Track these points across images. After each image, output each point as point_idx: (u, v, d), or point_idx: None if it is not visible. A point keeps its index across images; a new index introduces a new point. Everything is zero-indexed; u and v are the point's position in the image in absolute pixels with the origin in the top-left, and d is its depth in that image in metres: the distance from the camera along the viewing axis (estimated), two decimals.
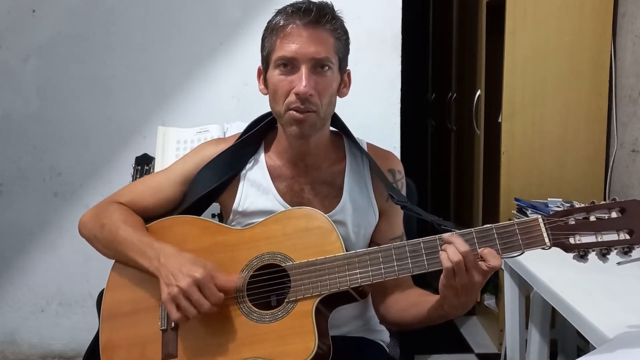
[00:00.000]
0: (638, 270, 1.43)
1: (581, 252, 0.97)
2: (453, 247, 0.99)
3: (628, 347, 1.01)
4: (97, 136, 2.28)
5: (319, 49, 1.10)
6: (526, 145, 2.34)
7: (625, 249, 0.95)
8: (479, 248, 0.99)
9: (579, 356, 1.08)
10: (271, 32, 1.14)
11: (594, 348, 1.10)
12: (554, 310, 1.54)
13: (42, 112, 2.28)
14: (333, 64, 1.14)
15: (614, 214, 0.96)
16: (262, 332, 1.08)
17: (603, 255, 0.97)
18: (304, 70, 1.10)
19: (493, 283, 2.70)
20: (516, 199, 2.19)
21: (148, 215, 1.25)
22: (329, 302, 1.11)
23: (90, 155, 2.29)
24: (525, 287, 1.85)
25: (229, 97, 2.23)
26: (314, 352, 1.03)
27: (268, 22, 1.16)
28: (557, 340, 2.13)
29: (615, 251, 0.96)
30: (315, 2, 1.13)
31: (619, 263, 1.43)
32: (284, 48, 1.10)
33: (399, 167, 1.29)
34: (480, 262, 0.98)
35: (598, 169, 2.34)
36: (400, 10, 2.18)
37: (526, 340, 1.86)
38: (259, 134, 1.27)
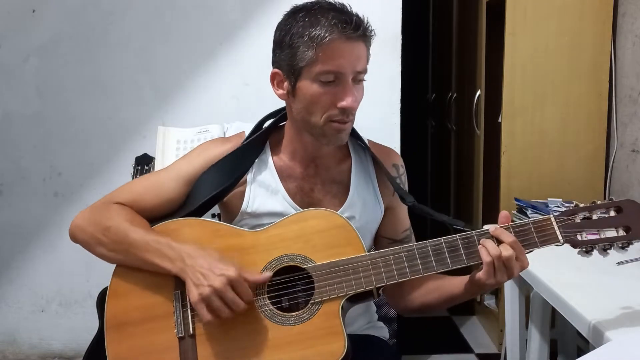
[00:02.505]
0: (638, 270, 1.44)
1: (587, 248, 1.05)
2: (491, 243, 1.04)
3: (627, 347, 1.02)
4: (97, 136, 2.28)
5: (361, 62, 1.11)
6: (526, 145, 2.34)
7: (624, 245, 1.04)
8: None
9: (579, 356, 1.08)
10: (309, 44, 1.07)
11: (594, 348, 1.10)
12: (554, 310, 1.54)
13: (42, 112, 2.28)
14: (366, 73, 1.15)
15: (612, 213, 1.05)
16: (286, 335, 1.06)
17: (604, 250, 1.05)
18: (349, 84, 1.10)
19: None
20: (516, 199, 2.19)
21: (148, 217, 1.20)
22: (350, 301, 1.11)
23: (90, 155, 2.29)
24: (525, 287, 1.85)
25: (229, 97, 2.23)
26: (345, 351, 1.03)
27: (297, 30, 1.08)
28: (557, 340, 2.12)
29: (613, 247, 1.05)
30: (353, 14, 1.11)
31: (619, 263, 1.45)
32: (330, 62, 1.07)
33: (401, 162, 1.32)
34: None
35: (598, 169, 2.34)
36: (400, 10, 2.19)
37: (526, 340, 1.86)
38: (264, 135, 1.26)
